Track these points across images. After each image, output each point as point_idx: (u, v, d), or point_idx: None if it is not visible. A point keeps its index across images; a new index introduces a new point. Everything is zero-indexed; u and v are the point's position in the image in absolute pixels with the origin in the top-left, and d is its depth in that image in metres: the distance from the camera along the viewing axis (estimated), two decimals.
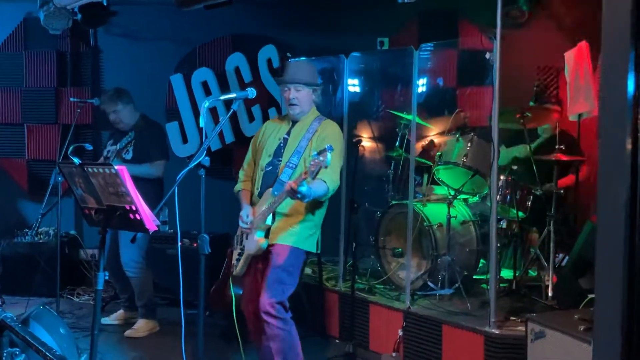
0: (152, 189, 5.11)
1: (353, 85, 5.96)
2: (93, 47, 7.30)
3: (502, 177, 4.95)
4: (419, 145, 5.69)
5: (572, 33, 6.07)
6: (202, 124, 3.37)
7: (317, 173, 3.51)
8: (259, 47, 6.93)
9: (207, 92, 7.01)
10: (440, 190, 5.52)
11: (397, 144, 5.74)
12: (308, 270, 5.74)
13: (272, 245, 3.89)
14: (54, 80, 7.22)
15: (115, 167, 2.99)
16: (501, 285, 4.91)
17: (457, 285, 4.85)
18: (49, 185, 6.34)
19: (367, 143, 6.22)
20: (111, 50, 7.28)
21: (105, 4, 6.52)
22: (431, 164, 5.32)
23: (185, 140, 7.09)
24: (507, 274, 5.25)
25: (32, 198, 7.26)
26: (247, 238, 3.98)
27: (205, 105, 3.42)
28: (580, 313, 3.57)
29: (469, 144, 4.95)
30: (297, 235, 3.91)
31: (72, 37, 7.21)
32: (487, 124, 4.50)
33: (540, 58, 6.33)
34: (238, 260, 4.04)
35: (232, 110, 3.66)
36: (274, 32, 6.94)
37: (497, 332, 4.12)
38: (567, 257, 4.87)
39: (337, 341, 5.15)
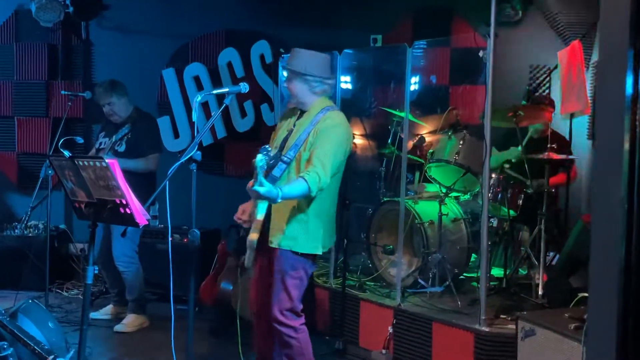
0: (144, 183, 5.08)
1: (345, 82, 5.95)
2: (85, 40, 7.25)
3: (493, 176, 4.96)
4: (409, 143, 5.68)
5: (565, 32, 6.10)
6: (194, 118, 3.34)
7: (261, 172, 3.21)
8: (252, 43, 6.91)
9: (199, 87, 6.99)
10: (431, 188, 5.52)
11: (389, 141, 5.74)
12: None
13: (274, 248, 3.67)
14: (45, 73, 7.17)
15: (106, 160, 2.97)
16: (491, 283, 4.92)
17: (447, 282, 4.86)
18: (38, 178, 6.31)
19: (359, 140, 6.21)
20: (103, 43, 7.24)
21: None
22: (423, 161, 5.32)
23: (176, 135, 7.06)
24: (497, 272, 5.26)
25: (21, 191, 7.21)
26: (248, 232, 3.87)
27: (197, 99, 3.40)
28: (570, 311, 3.58)
29: (461, 142, 4.95)
30: (296, 238, 3.64)
31: (63, 29, 7.16)
32: (479, 122, 4.51)
33: (533, 57, 6.35)
34: (237, 251, 3.95)
35: (224, 104, 3.62)
36: (267, 27, 6.93)
37: (487, 330, 4.12)
38: (557, 256, 4.88)
39: (327, 338, 5.14)
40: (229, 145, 6.97)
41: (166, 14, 7.09)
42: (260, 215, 3.62)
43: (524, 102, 5.55)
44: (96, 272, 3.29)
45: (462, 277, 5.21)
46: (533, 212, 4.89)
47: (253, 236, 3.62)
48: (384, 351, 4.69)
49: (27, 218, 6.59)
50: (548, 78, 6.23)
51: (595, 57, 5.78)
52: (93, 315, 5.44)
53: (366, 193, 5.91)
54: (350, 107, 5.90)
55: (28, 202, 6.62)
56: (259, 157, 3.22)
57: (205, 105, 6.77)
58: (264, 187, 3.25)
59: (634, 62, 1.70)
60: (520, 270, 5.27)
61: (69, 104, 6.04)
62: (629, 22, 1.74)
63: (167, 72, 7.10)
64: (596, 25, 5.54)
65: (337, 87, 5.44)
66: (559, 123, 5.75)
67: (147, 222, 3.12)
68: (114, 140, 5.10)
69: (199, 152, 3.33)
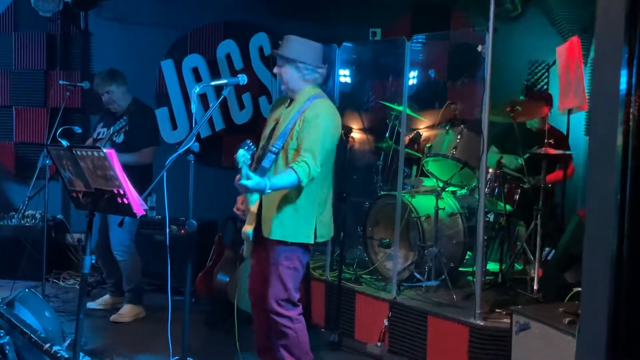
0: (141, 174, 5.08)
1: (344, 75, 5.95)
2: (83, 31, 7.24)
3: (490, 170, 4.97)
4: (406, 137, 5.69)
5: (564, 28, 6.11)
6: (193, 109, 3.35)
7: (245, 166, 3.28)
8: (251, 35, 6.89)
9: (198, 78, 6.98)
10: (428, 182, 5.53)
11: (387, 135, 5.75)
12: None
13: (267, 239, 3.68)
14: (44, 63, 7.16)
15: (104, 150, 2.97)
16: (487, 277, 4.94)
17: (443, 276, 4.87)
18: (36, 168, 6.30)
19: (357, 134, 6.22)
20: (102, 34, 7.23)
21: None
22: (420, 155, 5.33)
23: (174, 126, 7.06)
24: (493, 267, 5.27)
25: (19, 181, 7.21)
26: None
27: (195, 90, 3.41)
28: (564, 306, 3.60)
29: (458, 137, 4.96)
30: (288, 228, 3.65)
31: (62, 19, 7.13)
32: (477, 117, 4.51)
33: (531, 52, 6.36)
34: (234, 242, 3.95)
35: (222, 96, 3.62)
36: (267, 20, 6.91)
37: (482, 323, 4.14)
38: (553, 251, 4.90)
39: (322, 330, 5.16)
40: (226, 138, 6.97)
41: (165, 5, 7.07)
42: (253, 207, 3.65)
43: (521, 98, 5.56)
44: (93, 261, 3.30)
45: (458, 270, 5.22)
46: (529, 207, 4.90)
47: (247, 227, 3.67)
48: (379, 344, 4.70)
49: (24, 208, 6.59)
50: (546, 74, 6.24)
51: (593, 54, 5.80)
52: (89, 305, 5.45)
53: (363, 186, 5.92)
54: (349, 100, 5.91)
55: (25, 191, 6.61)
56: (240, 152, 3.29)
57: (203, 97, 6.76)
58: (251, 180, 3.29)
59: (629, 58, 1.72)
60: (515, 265, 5.29)
61: (67, 93, 6.03)
62: (624, 18, 1.75)
63: (165, 63, 7.09)
64: (594, 21, 5.54)
65: (335, 81, 5.46)
66: (557, 119, 5.75)
67: (145, 213, 3.12)
68: (112, 131, 5.10)
69: (196, 144, 3.34)
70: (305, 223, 3.69)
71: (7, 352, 3.23)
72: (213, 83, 3.85)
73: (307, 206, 3.68)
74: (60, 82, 6.29)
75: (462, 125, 5.03)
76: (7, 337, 3.27)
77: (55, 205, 6.91)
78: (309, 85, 3.77)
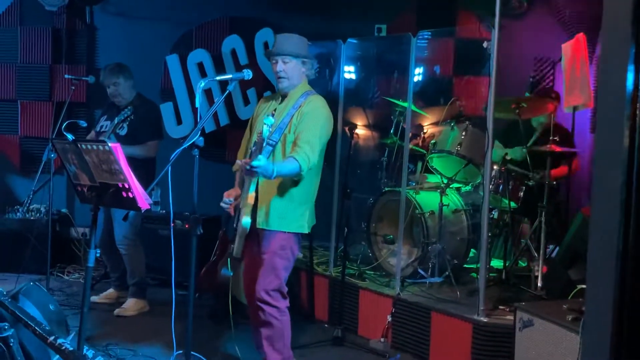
0: (144, 168, 5.10)
1: (349, 72, 5.95)
2: (89, 25, 7.23)
3: (495, 167, 4.96)
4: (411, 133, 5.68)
5: (570, 25, 6.09)
6: (197, 103, 3.35)
7: (262, 146, 3.47)
8: (256, 30, 6.89)
9: (203, 73, 6.97)
10: (433, 179, 5.53)
11: (391, 131, 5.74)
12: (299, 255, 5.74)
13: (262, 229, 3.77)
14: (49, 57, 7.16)
15: (109, 144, 2.97)
16: (491, 274, 4.94)
17: (447, 273, 4.87)
18: (41, 162, 6.33)
19: (361, 129, 6.21)
20: (107, 28, 7.23)
21: None
22: (425, 152, 5.32)
23: (179, 121, 7.06)
24: (497, 264, 5.27)
25: (24, 175, 7.23)
26: (239, 218, 3.92)
27: (200, 85, 3.42)
28: (568, 303, 3.59)
29: (463, 133, 4.96)
30: (284, 218, 3.76)
31: (68, 14, 7.14)
32: (482, 113, 4.50)
33: (537, 49, 6.34)
34: (234, 240, 3.96)
35: (227, 91, 3.63)
36: (272, 15, 6.91)
37: (485, 320, 4.14)
38: (557, 248, 4.89)
39: (325, 325, 5.17)
40: (231, 133, 6.97)
41: (170, 0, 7.07)
42: (250, 198, 3.72)
43: (527, 94, 5.55)
44: (97, 255, 3.31)
45: (462, 267, 5.22)
46: (534, 204, 4.90)
47: (245, 218, 3.72)
48: (382, 340, 4.71)
49: (29, 201, 6.61)
50: (552, 71, 6.22)
51: (599, 51, 5.78)
52: (93, 299, 5.46)
53: (367, 183, 5.92)
54: (354, 96, 5.90)
55: (30, 185, 6.63)
56: (265, 129, 3.46)
57: (208, 93, 6.77)
58: (260, 161, 3.39)
59: (636, 56, 1.71)
60: (519, 262, 5.28)
61: (72, 88, 6.03)
62: (631, 16, 1.75)
63: (170, 58, 7.09)
64: (601, 19, 5.52)
65: (340, 76, 5.45)
66: (562, 116, 5.74)
67: (149, 207, 3.13)
68: (115, 122, 5.11)
69: (201, 138, 3.35)
70: (300, 213, 3.83)
71: (11, 344, 3.23)
72: (218, 78, 3.87)
73: (301, 196, 3.82)
74: (66, 76, 6.30)
75: (467, 122, 5.02)
76: (12, 330, 3.27)
77: (60, 199, 6.93)
78: (305, 80, 3.93)
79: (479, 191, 5.13)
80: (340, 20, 6.54)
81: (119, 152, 2.98)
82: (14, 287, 4.14)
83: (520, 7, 6.23)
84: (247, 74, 3.65)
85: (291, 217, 3.79)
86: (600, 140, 1.83)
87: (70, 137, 3.17)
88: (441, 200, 4.98)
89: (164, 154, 5.06)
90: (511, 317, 3.83)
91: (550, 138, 4.78)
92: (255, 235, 3.81)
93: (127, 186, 3.04)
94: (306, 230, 3.88)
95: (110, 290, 5.67)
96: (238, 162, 4.03)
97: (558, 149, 4.78)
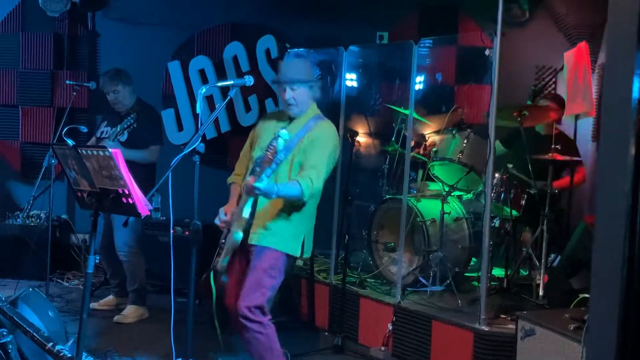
0: (144, 174, 5.09)
1: (351, 79, 5.94)
2: (91, 31, 7.25)
3: (496, 175, 4.94)
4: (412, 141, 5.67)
5: (572, 33, 6.09)
6: (199, 110, 3.34)
7: (271, 163, 3.36)
8: (258, 37, 6.90)
9: (205, 80, 6.98)
10: (434, 186, 5.51)
11: (393, 138, 5.73)
12: (299, 262, 5.72)
13: (254, 245, 3.71)
14: (51, 63, 7.17)
15: (110, 149, 2.96)
16: (492, 283, 4.91)
17: (448, 281, 4.85)
18: (41, 168, 6.32)
19: (363, 137, 6.21)
20: (109, 34, 7.24)
21: None
22: (426, 159, 5.31)
23: (180, 127, 7.06)
24: (498, 272, 5.25)
25: (24, 180, 7.22)
26: (229, 232, 3.86)
27: (202, 91, 3.41)
28: (570, 312, 3.57)
29: (465, 141, 4.94)
30: (278, 236, 3.70)
31: (70, 19, 7.15)
32: (484, 121, 4.49)
33: (539, 57, 6.34)
34: (219, 254, 3.89)
35: (228, 97, 3.62)
36: (274, 22, 6.92)
37: (486, 329, 4.12)
38: (559, 257, 4.87)
39: (326, 333, 5.14)
40: (232, 139, 6.96)
41: (172, 6, 7.08)
42: (246, 214, 3.59)
43: (529, 102, 5.54)
44: (97, 261, 3.30)
45: (463, 275, 5.19)
46: (535, 213, 4.88)
47: (237, 234, 3.62)
48: (383, 348, 4.69)
49: (29, 207, 6.60)
50: (554, 79, 6.21)
51: (601, 59, 5.77)
52: (93, 305, 5.44)
53: (368, 190, 5.90)
54: (355, 103, 5.90)
55: (30, 191, 6.62)
56: (280, 141, 3.35)
57: (209, 99, 6.77)
58: (263, 182, 3.33)
59: None
60: (521, 270, 5.26)
61: (74, 93, 6.04)
62: (637, 24, 1.74)
63: (172, 64, 7.10)
64: (603, 27, 5.52)
65: (342, 84, 5.45)
66: (564, 124, 5.73)
67: (149, 213, 3.12)
68: (117, 129, 5.11)
69: (202, 144, 3.33)
70: (295, 237, 3.77)
71: (9, 351, 3.22)
72: (219, 84, 3.87)
73: (299, 221, 3.77)
74: (67, 82, 6.31)
75: (468, 130, 5.01)
76: (10, 336, 3.26)
77: (60, 205, 6.91)
78: (313, 103, 3.91)
79: (481, 199, 5.11)
80: (342, 27, 6.54)
81: (119, 158, 2.97)
82: (13, 293, 4.13)
83: (522, 15, 6.22)
84: (249, 80, 3.64)
85: (286, 236, 3.73)
86: (606, 148, 1.82)
87: (70, 142, 3.17)
88: (442, 208, 4.97)
89: (164, 160, 5.05)
90: (513, 326, 3.81)
91: (553, 147, 4.76)
92: (244, 251, 3.74)
93: (127, 192, 3.03)
94: (298, 254, 3.79)
95: (110, 297, 5.65)
96: (233, 177, 4.04)
97: (560, 157, 4.76)
